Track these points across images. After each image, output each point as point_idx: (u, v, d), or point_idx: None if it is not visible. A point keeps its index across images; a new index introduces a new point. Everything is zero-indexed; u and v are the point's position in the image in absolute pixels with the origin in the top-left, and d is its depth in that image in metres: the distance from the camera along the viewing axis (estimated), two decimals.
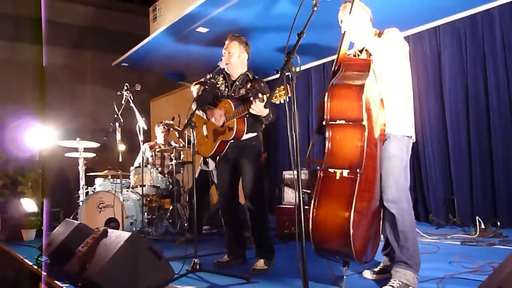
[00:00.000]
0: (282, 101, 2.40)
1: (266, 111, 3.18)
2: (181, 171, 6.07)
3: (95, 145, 5.71)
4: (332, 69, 2.74)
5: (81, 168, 5.59)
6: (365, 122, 2.45)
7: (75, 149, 5.59)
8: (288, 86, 2.29)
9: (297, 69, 2.21)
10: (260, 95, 3.05)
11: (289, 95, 2.29)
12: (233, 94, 3.56)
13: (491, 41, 5.11)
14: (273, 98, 2.49)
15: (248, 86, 3.50)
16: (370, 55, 2.77)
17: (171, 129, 5.84)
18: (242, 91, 3.51)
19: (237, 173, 3.55)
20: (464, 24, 5.38)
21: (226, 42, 3.62)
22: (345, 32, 2.76)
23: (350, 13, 2.72)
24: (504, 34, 5.01)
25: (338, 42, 2.79)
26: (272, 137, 7.41)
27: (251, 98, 3.14)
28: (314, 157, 5.90)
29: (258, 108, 3.11)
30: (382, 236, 2.91)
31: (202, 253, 3.96)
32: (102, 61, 8.37)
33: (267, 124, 3.47)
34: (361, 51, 2.90)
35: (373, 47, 2.68)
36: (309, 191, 4.76)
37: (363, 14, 2.83)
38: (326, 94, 2.55)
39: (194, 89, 4.17)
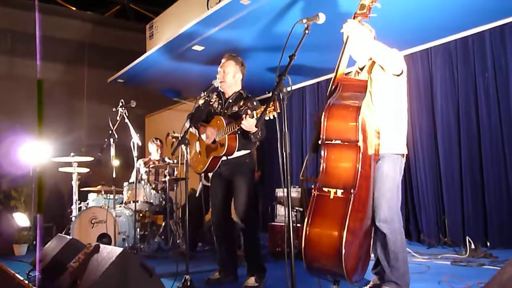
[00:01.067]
0: (272, 117, 2.44)
1: (255, 127, 3.20)
2: (175, 188, 6.08)
3: (89, 160, 5.72)
4: (329, 89, 2.78)
5: (75, 183, 5.59)
6: (360, 143, 2.50)
7: (69, 164, 5.60)
8: (277, 102, 2.34)
9: (288, 89, 2.27)
10: (249, 111, 3.09)
11: (278, 111, 2.34)
12: (226, 111, 3.60)
13: (482, 63, 5.21)
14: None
15: (241, 103, 3.55)
16: (371, 72, 2.83)
17: (173, 141, 5.79)
18: (235, 108, 3.55)
19: (230, 190, 3.58)
20: (455, 46, 5.48)
21: (223, 61, 3.68)
22: (345, 44, 2.79)
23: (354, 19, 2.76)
24: (495, 56, 5.11)
25: (332, 63, 2.85)
26: (266, 155, 7.45)
27: (243, 115, 3.19)
28: (309, 175, 5.93)
29: (249, 124, 3.14)
30: (373, 255, 2.93)
31: (194, 270, 3.96)
32: (98, 77, 8.41)
33: (256, 141, 3.48)
34: (361, 69, 2.95)
35: (377, 51, 2.72)
36: (301, 209, 4.79)
37: (368, 31, 2.89)
38: (323, 113, 2.59)
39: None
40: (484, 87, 5.15)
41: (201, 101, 3.78)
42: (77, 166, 5.59)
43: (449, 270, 3.78)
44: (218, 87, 3.64)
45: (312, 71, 6.65)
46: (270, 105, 2.45)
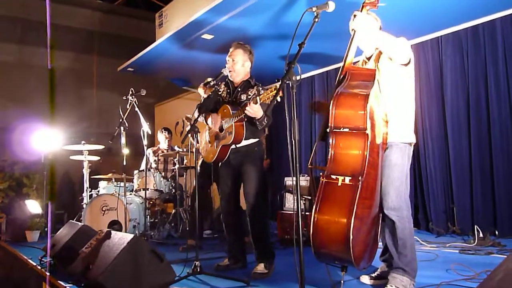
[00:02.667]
0: (277, 101, 2.46)
1: (260, 113, 3.19)
2: (184, 175, 6.13)
3: (100, 148, 5.78)
4: (337, 78, 2.80)
5: (86, 171, 5.67)
6: (368, 131, 2.51)
7: (80, 152, 5.67)
8: (279, 86, 2.36)
9: (297, 78, 2.28)
10: (253, 98, 3.10)
11: (281, 95, 2.36)
12: (234, 100, 3.62)
13: (492, 52, 5.17)
14: (266, 99, 2.56)
15: (249, 92, 3.56)
16: (378, 61, 2.83)
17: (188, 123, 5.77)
18: (243, 97, 3.55)
19: (239, 178, 3.61)
20: (466, 35, 5.43)
21: (231, 50, 3.69)
22: (352, 38, 2.80)
23: (361, 11, 2.76)
24: (506, 44, 5.06)
25: (341, 52, 2.85)
26: (275, 143, 7.47)
27: (247, 102, 3.20)
28: (317, 164, 5.94)
29: (253, 110, 3.15)
30: (380, 242, 2.96)
31: (203, 257, 4.02)
32: (108, 66, 8.46)
33: (262, 128, 3.46)
34: (368, 59, 2.96)
35: (383, 42, 2.72)
36: (310, 197, 4.81)
37: (374, 21, 2.89)
38: (331, 102, 2.60)
39: (201, 91, 4.26)
40: (494, 75, 5.11)
41: (200, 90, 3.79)
42: (88, 154, 5.65)
43: (457, 258, 3.80)
44: (227, 75, 3.65)
45: (321, 59, 6.63)
46: (272, 88, 2.47)
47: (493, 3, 4.86)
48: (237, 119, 3.37)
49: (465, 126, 5.39)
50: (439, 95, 5.69)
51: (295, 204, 2.25)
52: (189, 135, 3.48)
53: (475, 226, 4.64)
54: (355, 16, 2.82)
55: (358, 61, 3.09)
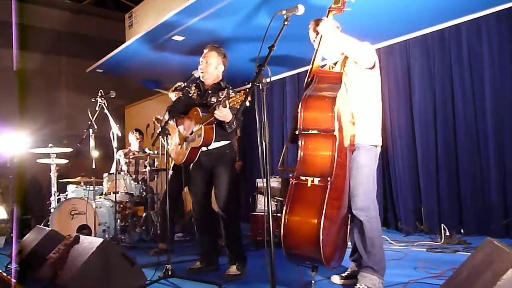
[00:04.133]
0: (248, 104, 2.47)
1: (229, 116, 3.22)
2: (155, 178, 6.07)
3: (68, 151, 5.66)
4: (306, 81, 2.84)
5: (54, 175, 5.54)
6: (336, 133, 2.55)
7: (48, 155, 5.54)
8: (248, 90, 2.37)
9: (267, 80, 2.29)
10: (222, 101, 3.11)
11: (250, 99, 2.37)
12: (204, 102, 3.61)
13: (458, 55, 5.31)
14: (235, 103, 2.58)
15: (220, 94, 3.56)
16: (344, 66, 2.88)
17: (156, 124, 5.69)
18: (213, 99, 3.54)
19: (211, 180, 3.60)
20: (433, 38, 5.58)
21: (205, 51, 3.68)
22: (319, 42, 2.84)
23: (327, 17, 2.81)
24: (470, 48, 5.21)
25: (311, 54, 2.89)
26: (247, 145, 7.48)
27: (216, 105, 3.21)
28: (288, 165, 5.98)
29: (222, 113, 3.17)
30: (349, 243, 3.00)
31: (175, 260, 3.99)
32: (77, 67, 8.31)
33: (232, 131, 3.49)
34: (335, 64, 3.01)
35: (349, 45, 2.77)
36: (281, 199, 4.84)
37: (336, 28, 2.93)
38: (300, 104, 2.63)
39: (172, 95, 4.23)
40: (459, 78, 5.26)
41: (171, 94, 3.77)
42: (56, 157, 5.53)
43: (425, 257, 3.89)
44: (198, 77, 3.64)
45: (292, 62, 6.68)
46: (241, 93, 2.49)
47: (458, 8, 5.00)
48: (206, 122, 3.37)
49: (432, 128, 5.53)
50: (407, 97, 5.82)
51: (266, 205, 2.26)
52: (160, 137, 3.46)
53: (442, 225, 4.76)
54: (317, 23, 2.87)
55: (325, 65, 3.14)
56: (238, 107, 2.54)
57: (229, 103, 2.92)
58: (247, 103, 2.43)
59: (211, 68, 3.63)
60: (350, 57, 2.83)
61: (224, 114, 3.18)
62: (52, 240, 3.48)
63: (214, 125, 3.45)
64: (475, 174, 5.10)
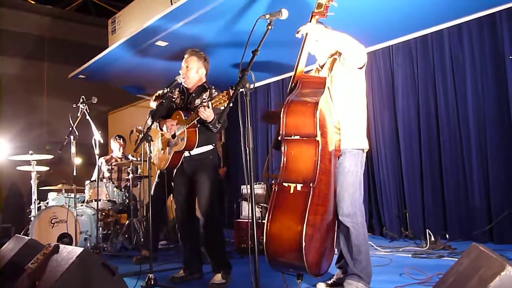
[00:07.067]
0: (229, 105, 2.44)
1: (212, 116, 3.21)
2: (138, 185, 5.98)
3: (49, 158, 5.55)
4: (289, 86, 2.81)
5: (34, 182, 5.42)
6: (318, 138, 2.52)
7: (28, 162, 5.42)
8: (230, 91, 2.34)
9: (251, 85, 2.26)
10: (205, 101, 3.10)
11: (232, 99, 2.33)
12: (189, 106, 3.57)
13: (440, 60, 5.36)
14: (218, 104, 2.55)
15: (203, 96, 3.52)
16: (332, 69, 2.86)
17: (138, 135, 5.62)
18: (197, 101, 3.51)
19: (194, 187, 3.55)
20: (416, 44, 5.62)
21: (185, 56, 3.65)
22: (303, 45, 2.81)
23: (310, 22, 2.79)
24: (453, 53, 5.26)
25: (295, 60, 2.86)
26: (232, 151, 7.43)
27: (199, 106, 3.19)
28: (273, 172, 5.95)
29: (206, 113, 3.16)
30: (336, 249, 2.98)
31: (158, 269, 3.92)
32: (59, 73, 8.19)
33: (216, 133, 3.48)
34: (322, 67, 2.99)
35: (344, 40, 2.76)
36: (266, 205, 4.80)
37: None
38: (283, 110, 2.60)
39: (154, 104, 4.18)
40: (442, 83, 5.30)
41: (152, 103, 3.74)
42: (36, 165, 5.41)
43: (410, 263, 3.87)
44: (181, 82, 3.60)
45: (276, 67, 6.67)
46: (224, 93, 2.47)
47: (441, 14, 5.04)
48: (189, 124, 3.33)
49: (415, 133, 5.56)
50: (391, 102, 5.84)
51: (250, 212, 2.22)
52: (142, 143, 3.40)
53: (427, 230, 4.76)
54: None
55: (312, 70, 3.12)
56: (222, 108, 2.50)
57: (212, 104, 2.89)
58: (230, 104, 2.38)
59: (192, 72, 3.59)
60: (344, 52, 2.79)
61: (208, 114, 3.18)
62: (31, 249, 3.38)
63: (197, 128, 3.41)
64: (458, 180, 5.13)
